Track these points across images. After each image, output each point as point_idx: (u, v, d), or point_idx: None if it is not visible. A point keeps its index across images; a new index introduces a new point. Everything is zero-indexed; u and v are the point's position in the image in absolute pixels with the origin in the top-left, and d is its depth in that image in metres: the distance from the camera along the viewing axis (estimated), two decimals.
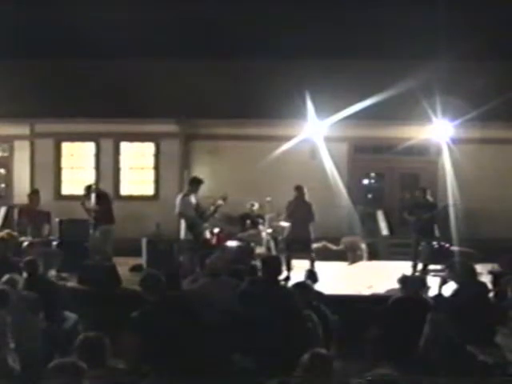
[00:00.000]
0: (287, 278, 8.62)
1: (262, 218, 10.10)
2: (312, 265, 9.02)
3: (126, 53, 13.10)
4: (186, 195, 8.84)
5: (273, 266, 5.38)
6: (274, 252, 9.85)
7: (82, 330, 5.62)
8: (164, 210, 12.09)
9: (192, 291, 5.60)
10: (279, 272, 5.53)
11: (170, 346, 4.51)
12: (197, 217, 8.71)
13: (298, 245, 9.21)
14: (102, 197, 9.37)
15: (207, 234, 8.98)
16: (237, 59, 12.99)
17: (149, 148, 12.98)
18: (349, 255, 11.13)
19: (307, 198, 9.26)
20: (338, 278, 9.31)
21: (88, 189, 9.50)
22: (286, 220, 9.31)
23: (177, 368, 4.40)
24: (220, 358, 4.59)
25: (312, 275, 6.93)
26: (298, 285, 5.56)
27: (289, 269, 9.06)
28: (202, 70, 12.84)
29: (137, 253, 9.46)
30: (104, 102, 12.45)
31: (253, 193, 10.88)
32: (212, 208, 8.94)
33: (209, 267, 5.74)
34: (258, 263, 8.72)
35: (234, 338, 4.70)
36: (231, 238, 9.72)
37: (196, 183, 8.94)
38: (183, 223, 8.84)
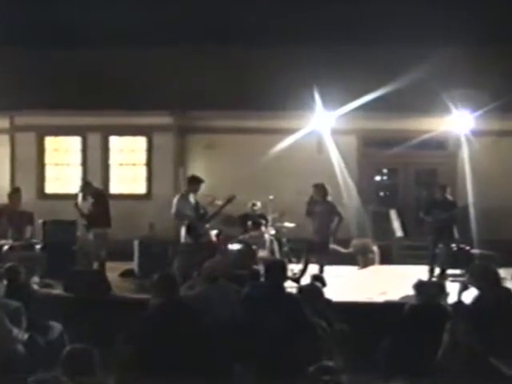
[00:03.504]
0: (297, 281, 8.64)
1: (265, 218, 10.10)
2: (321, 270, 9.03)
3: (114, 40, 13.08)
4: (184, 195, 8.77)
5: (277, 270, 5.38)
6: (277, 255, 9.85)
7: (68, 341, 5.62)
8: (157, 209, 12.10)
9: (189, 298, 5.59)
10: (284, 277, 5.52)
11: (168, 356, 4.52)
12: (197, 218, 8.64)
13: (314, 247, 9.24)
14: (98, 197, 9.33)
15: (213, 237, 8.93)
16: (237, 45, 12.98)
17: (140, 142, 12.98)
18: (359, 259, 11.13)
19: (329, 197, 9.24)
20: (348, 284, 9.30)
21: (84, 187, 9.44)
22: (307, 217, 9.32)
23: (175, 379, 4.40)
24: (219, 369, 4.59)
25: (319, 281, 6.92)
26: (305, 288, 5.55)
27: (303, 272, 9.06)
28: (198, 56, 12.83)
29: (128, 256, 9.45)
30: (91, 93, 12.43)
31: (254, 191, 10.88)
32: (211, 208, 8.91)
33: (207, 272, 5.73)
34: (260, 267, 8.80)
35: (235, 348, 4.70)
36: (231, 240, 9.71)
37: (195, 182, 8.81)
38: (183, 226, 8.74)
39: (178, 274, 7.90)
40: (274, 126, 12.41)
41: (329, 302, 5.95)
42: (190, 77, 12.53)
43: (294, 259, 10.13)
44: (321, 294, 5.54)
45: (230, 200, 8.81)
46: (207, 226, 8.87)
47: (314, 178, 10.04)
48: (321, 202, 9.21)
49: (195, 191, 8.82)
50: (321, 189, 9.26)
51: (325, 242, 9.20)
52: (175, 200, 8.75)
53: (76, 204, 9.16)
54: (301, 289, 5.73)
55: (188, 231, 8.57)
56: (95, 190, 9.45)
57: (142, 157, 12.99)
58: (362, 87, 11.38)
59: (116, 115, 12.45)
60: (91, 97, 12.40)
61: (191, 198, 8.74)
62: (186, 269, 8.09)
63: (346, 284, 9.27)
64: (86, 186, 9.42)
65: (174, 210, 8.70)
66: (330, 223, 9.21)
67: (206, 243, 8.72)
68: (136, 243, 9.43)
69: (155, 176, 12.83)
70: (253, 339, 4.69)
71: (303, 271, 9.14)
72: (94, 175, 12.52)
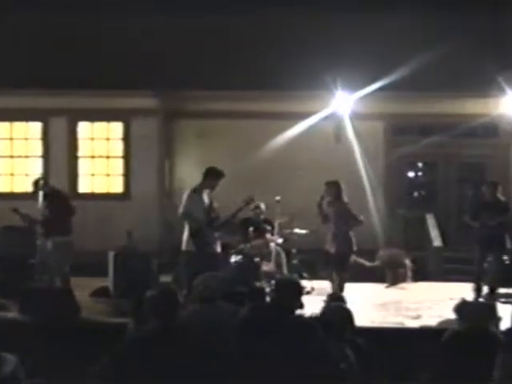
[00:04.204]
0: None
1: (270, 223, 10.08)
2: (340, 287, 9.03)
3: (85, 3, 13.06)
4: (196, 191, 8.67)
5: (288, 289, 5.36)
6: (285, 269, 9.88)
7: (24, 376, 5.61)
8: (137, 212, 12.14)
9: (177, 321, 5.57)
10: (295, 298, 5.50)
11: None
12: (207, 222, 8.59)
13: (330, 260, 9.28)
14: (54, 197, 9.31)
15: (218, 248, 8.90)
16: (237, 11, 12.94)
17: (116, 130, 12.98)
18: (388, 274, 11.14)
19: (345, 197, 9.26)
20: (374, 305, 9.31)
21: (36, 185, 9.44)
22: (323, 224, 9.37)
23: None
24: None
25: (338, 302, 6.88)
26: (331, 310, 5.53)
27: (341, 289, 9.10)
28: (188, 24, 12.80)
29: (101, 271, 9.45)
30: (55, 68, 12.43)
31: (257, 190, 10.84)
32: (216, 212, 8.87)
33: (199, 290, 5.71)
34: (264, 284, 8.80)
35: (231, 382, 4.69)
36: (229, 250, 9.71)
37: (213, 177, 8.68)
38: (186, 229, 8.70)
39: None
40: (282, 109, 12.41)
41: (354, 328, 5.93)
42: (179, 49, 12.52)
43: (305, 274, 10.12)
44: (351, 318, 5.51)
45: (248, 203, 8.81)
46: (216, 234, 8.80)
47: (331, 173, 10.03)
48: (333, 204, 9.20)
49: (212, 188, 8.73)
50: (333, 187, 9.25)
51: (343, 252, 9.20)
52: (185, 196, 8.66)
53: (16, 209, 9.08)
54: (325, 311, 5.69)
55: (193, 236, 8.51)
56: (50, 188, 9.42)
57: (119, 147, 12.99)
58: (392, 61, 11.36)
59: (86, 96, 12.43)
60: (55, 73, 12.38)
61: (205, 197, 8.70)
62: (184, 283, 8.06)
63: (371, 305, 9.26)
64: (39, 183, 9.37)
65: (182, 208, 8.62)
66: (348, 229, 9.21)
67: (212, 254, 8.67)
68: (111, 255, 9.40)
69: (135, 171, 12.83)
70: (250, 373, 4.67)
71: (341, 288, 9.09)
72: (59, 170, 12.54)
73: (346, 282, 9.24)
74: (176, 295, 5.06)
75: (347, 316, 5.50)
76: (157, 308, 4.88)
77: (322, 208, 9.30)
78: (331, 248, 9.21)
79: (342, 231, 9.18)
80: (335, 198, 9.24)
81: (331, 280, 9.27)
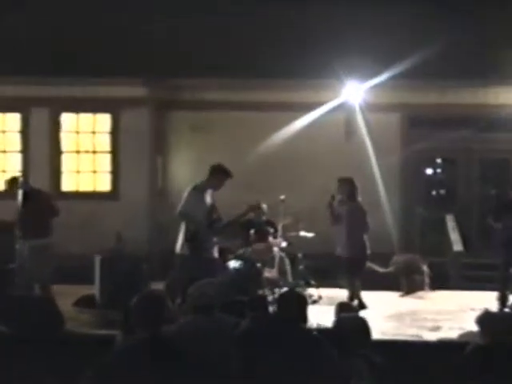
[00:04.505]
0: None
1: (273, 225, 10.09)
2: (352, 296, 9.03)
3: None
4: (198, 189, 8.62)
5: (293, 301, 5.36)
6: (289, 276, 9.90)
7: None
8: (127, 213, 12.13)
9: (169, 335, 5.56)
10: (300, 309, 5.50)
11: None
12: (207, 224, 8.58)
13: (342, 266, 9.34)
14: (33, 196, 9.32)
15: (215, 254, 8.89)
16: None
17: (103, 122, 12.98)
18: (403, 281, 11.16)
19: (359, 196, 9.28)
20: (387, 315, 9.33)
21: (12, 183, 9.45)
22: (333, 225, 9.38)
23: None
24: None
25: (348, 312, 6.87)
26: (344, 321, 5.52)
27: (361, 303, 9.15)
28: (182, 6, 12.80)
29: (86, 277, 9.46)
30: (36, 55, 12.43)
31: (259, 189, 10.87)
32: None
33: (194, 299, 5.70)
34: (266, 293, 8.80)
35: None
36: (228, 255, 9.72)
37: (220, 175, 8.62)
38: (182, 230, 8.68)
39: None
40: (287, 99, 12.41)
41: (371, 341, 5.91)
42: (172, 33, 12.52)
43: (312, 281, 10.13)
44: (367, 330, 5.50)
45: (253, 208, 8.82)
46: (215, 239, 8.78)
47: (341, 170, 10.05)
48: (345, 203, 9.21)
49: (216, 188, 8.72)
50: (346, 185, 9.26)
51: (356, 257, 9.21)
52: (187, 193, 8.60)
53: None
54: (337, 323, 5.68)
55: (189, 240, 8.49)
56: (30, 187, 9.44)
57: (106, 141, 12.99)
58: (408, 47, 11.35)
59: (70, 84, 12.43)
60: (36, 59, 12.39)
61: (207, 197, 8.70)
62: (179, 290, 8.05)
63: (385, 315, 9.29)
64: (17, 181, 9.38)
65: (182, 207, 8.57)
66: (362, 231, 9.21)
67: (209, 259, 8.65)
68: (97, 259, 9.42)
69: (124, 168, 12.82)
70: None
71: (361, 303, 9.09)
72: (40, 167, 12.53)
73: (359, 289, 9.25)
74: (162, 299, 5.02)
75: (362, 328, 5.47)
76: (139, 315, 4.86)
77: (333, 208, 9.30)
78: (343, 252, 9.21)
79: (355, 234, 9.18)
80: (348, 196, 9.25)
81: (352, 287, 9.33)
